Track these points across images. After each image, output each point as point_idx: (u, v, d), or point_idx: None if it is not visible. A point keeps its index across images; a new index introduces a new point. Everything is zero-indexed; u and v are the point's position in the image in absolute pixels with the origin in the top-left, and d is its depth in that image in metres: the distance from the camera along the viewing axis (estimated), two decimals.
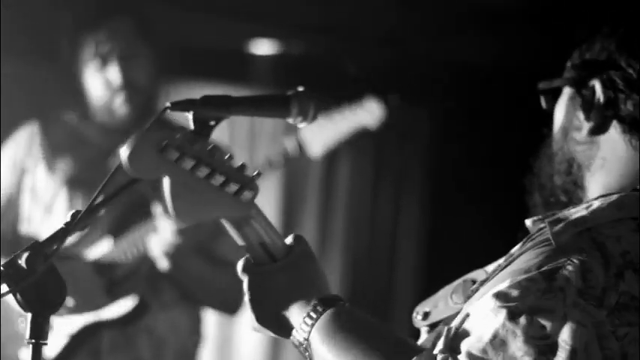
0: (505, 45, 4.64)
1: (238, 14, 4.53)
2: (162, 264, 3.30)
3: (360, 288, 5.22)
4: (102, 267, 3.37)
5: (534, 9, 4.30)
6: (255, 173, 1.58)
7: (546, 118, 1.86)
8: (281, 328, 1.62)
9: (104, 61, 3.38)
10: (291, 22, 4.69)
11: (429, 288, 1.89)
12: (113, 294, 3.36)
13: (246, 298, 1.64)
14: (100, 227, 3.39)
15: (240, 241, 1.62)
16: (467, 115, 5.06)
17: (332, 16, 4.60)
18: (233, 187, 1.56)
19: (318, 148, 3.43)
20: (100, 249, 3.39)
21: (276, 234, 1.64)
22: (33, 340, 1.56)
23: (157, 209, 3.28)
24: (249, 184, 1.57)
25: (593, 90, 1.73)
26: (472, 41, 4.77)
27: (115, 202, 3.27)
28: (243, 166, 1.58)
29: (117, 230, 3.38)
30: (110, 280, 3.37)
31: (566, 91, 1.79)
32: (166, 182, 1.54)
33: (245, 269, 1.64)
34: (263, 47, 4.93)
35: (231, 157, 1.57)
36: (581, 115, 1.76)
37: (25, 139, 3.54)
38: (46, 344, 1.57)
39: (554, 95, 1.82)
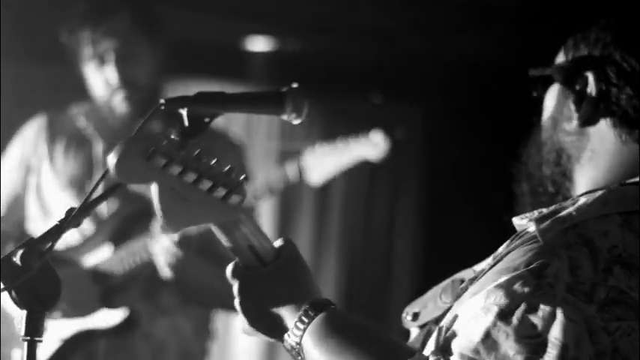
0: (502, 44, 4.64)
1: (234, 12, 4.53)
2: (164, 272, 3.29)
3: (356, 289, 5.23)
4: (99, 274, 3.36)
5: (533, 8, 4.30)
6: (243, 177, 1.58)
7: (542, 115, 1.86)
8: (272, 331, 1.63)
9: (102, 60, 3.38)
10: (288, 20, 4.69)
11: (425, 289, 1.89)
12: (107, 302, 3.35)
13: (237, 302, 1.63)
14: (102, 234, 3.39)
15: (228, 246, 1.62)
16: (462, 115, 5.06)
17: (328, 13, 4.60)
18: (221, 192, 1.56)
19: (318, 177, 3.40)
20: (99, 256, 3.38)
21: (264, 237, 1.63)
22: (28, 337, 1.56)
23: (158, 220, 3.29)
24: (236, 187, 1.57)
25: (586, 82, 1.73)
26: (470, 40, 4.77)
27: (111, 202, 3.28)
28: (230, 170, 1.57)
29: (118, 239, 3.37)
30: (105, 288, 3.36)
31: (558, 80, 1.79)
32: (154, 189, 1.54)
33: (234, 274, 1.64)
34: (259, 44, 4.93)
35: (218, 162, 1.57)
36: (572, 106, 1.75)
37: (33, 134, 3.53)
38: (41, 341, 1.57)
39: (544, 83, 1.81)
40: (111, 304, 3.34)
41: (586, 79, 1.73)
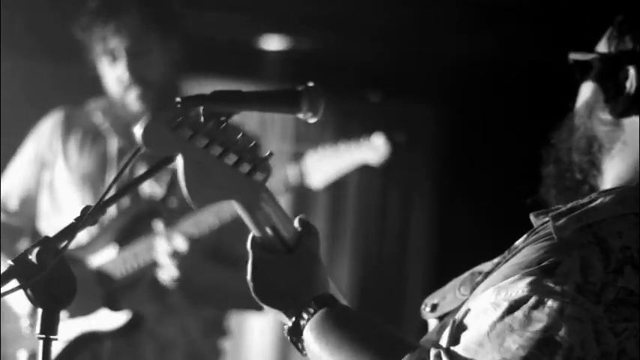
0: (516, 43, 4.63)
1: (248, 9, 4.53)
2: (171, 273, 3.28)
3: (370, 288, 5.22)
4: (103, 275, 3.36)
5: (547, 7, 4.28)
6: (268, 154, 1.58)
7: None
8: (280, 313, 1.64)
9: (113, 57, 3.38)
10: (302, 18, 4.68)
11: (438, 283, 1.89)
12: (111, 304, 3.34)
13: (248, 279, 1.64)
14: (107, 235, 3.38)
15: (250, 224, 1.61)
16: (475, 113, 5.06)
17: (342, 12, 4.59)
18: (246, 167, 1.56)
19: (319, 180, 3.37)
20: (104, 257, 3.37)
21: (286, 218, 1.63)
22: (43, 336, 1.56)
23: (162, 222, 3.28)
24: (261, 164, 1.57)
25: (626, 76, 1.71)
26: (483, 39, 4.75)
27: (124, 202, 3.25)
28: (256, 146, 1.57)
29: (122, 240, 3.36)
30: (110, 289, 3.35)
31: (598, 69, 1.76)
32: (179, 161, 1.53)
33: (253, 251, 1.64)
34: (273, 43, 4.93)
35: (244, 136, 1.57)
36: (609, 97, 1.73)
37: (49, 130, 3.52)
38: (56, 339, 1.57)
39: (583, 68, 1.78)
40: (115, 306, 3.33)
41: (627, 72, 1.71)
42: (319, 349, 1.57)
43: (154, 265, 3.30)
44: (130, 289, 3.35)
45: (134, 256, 3.32)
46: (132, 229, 3.36)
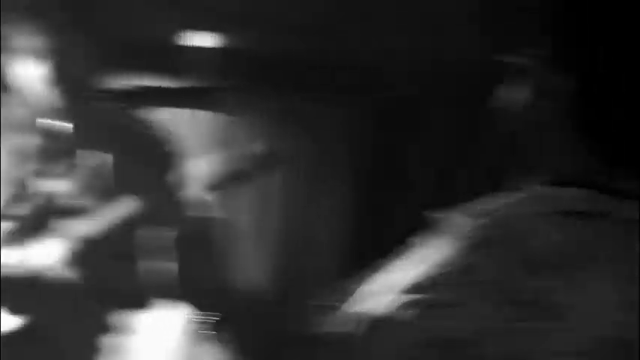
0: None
1: (174, 6, 4.52)
2: (66, 273, 3.27)
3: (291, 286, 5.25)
4: (2, 278, 3.33)
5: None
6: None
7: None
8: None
9: (37, 55, 3.36)
10: (231, 15, 4.69)
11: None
12: (9, 306, 3.31)
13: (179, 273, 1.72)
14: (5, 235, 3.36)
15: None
16: (401, 110, 5.10)
17: (272, 10, 4.61)
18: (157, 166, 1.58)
19: (206, 186, 3.38)
20: (3, 257, 3.34)
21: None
22: None
23: (62, 221, 3.27)
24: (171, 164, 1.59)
25: (551, 75, 1.69)
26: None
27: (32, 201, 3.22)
28: (165, 146, 1.58)
29: (22, 238, 3.33)
30: (8, 291, 3.33)
31: (519, 69, 1.74)
32: (104, 157, 1.54)
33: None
34: (196, 39, 4.92)
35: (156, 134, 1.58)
36: (532, 97, 1.71)
37: None
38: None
39: (513, 70, 1.76)
40: (14, 309, 3.31)
41: (550, 72, 1.68)
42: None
43: (50, 265, 3.29)
44: (28, 290, 3.33)
45: (31, 256, 3.31)
46: (31, 229, 3.35)
